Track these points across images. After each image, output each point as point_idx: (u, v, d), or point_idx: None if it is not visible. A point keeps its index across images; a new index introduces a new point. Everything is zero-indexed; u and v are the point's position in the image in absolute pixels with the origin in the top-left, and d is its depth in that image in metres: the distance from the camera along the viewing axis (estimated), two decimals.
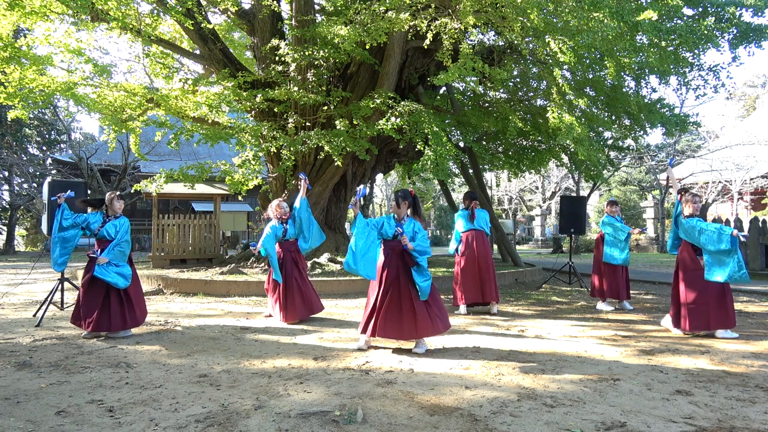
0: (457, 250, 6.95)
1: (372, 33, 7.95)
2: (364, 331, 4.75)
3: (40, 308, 6.39)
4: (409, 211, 4.86)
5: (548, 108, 8.40)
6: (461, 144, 12.32)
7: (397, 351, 4.71)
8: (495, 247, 16.16)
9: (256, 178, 10.72)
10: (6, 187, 24.69)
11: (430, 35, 7.75)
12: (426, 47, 8.13)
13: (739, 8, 8.02)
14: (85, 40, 9.83)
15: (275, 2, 10.02)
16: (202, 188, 12.62)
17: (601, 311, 7.03)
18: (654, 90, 14.24)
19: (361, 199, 4.95)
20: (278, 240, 6.27)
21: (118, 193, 5.60)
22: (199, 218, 12.34)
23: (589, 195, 20.69)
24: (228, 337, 5.34)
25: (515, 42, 9.12)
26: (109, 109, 9.97)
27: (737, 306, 7.49)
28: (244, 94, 9.42)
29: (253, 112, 10.88)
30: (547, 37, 7.48)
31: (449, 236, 24.30)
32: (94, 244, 5.50)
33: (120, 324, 5.30)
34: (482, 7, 7.47)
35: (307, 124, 9.83)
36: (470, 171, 13.17)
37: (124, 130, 10.70)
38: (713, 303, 5.17)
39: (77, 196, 6.96)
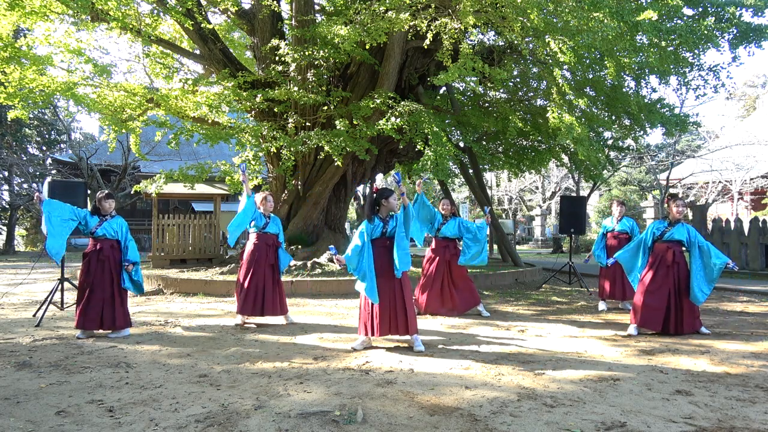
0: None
1: (372, 33, 7.95)
2: (362, 332, 4.82)
3: (40, 308, 6.39)
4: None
5: (548, 108, 8.40)
6: (461, 144, 12.32)
7: (397, 351, 4.72)
8: (495, 247, 16.16)
9: (256, 178, 10.72)
10: (6, 187, 24.68)
11: (430, 35, 7.75)
12: (426, 47, 8.13)
13: (739, 8, 8.02)
14: (85, 40, 9.82)
15: (275, 2, 10.02)
16: (202, 188, 12.61)
17: (602, 311, 7.06)
18: (654, 90, 14.25)
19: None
20: (258, 230, 6.11)
21: (107, 192, 5.60)
22: (199, 218, 12.34)
23: (589, 195, 20.68)
24: (228, 337, 5.34)
25: (515, 42, 9.12)
26: (109, 109, 9.96)
27: (737, 306, 7.49)
28: (244, 94, 9.42)
29: (253, 112, 10.88)
30: (547, 37, 7.48)
31: None
32: (88, 244, 5.49)
33: (112, 324, 5.33)
34: (482, 7, 7.46)
35: (307, 124, 9.83)
36: (470, 171, 13.17)
37: (124, 130, 10.69)
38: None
39: (74, 196, 6.96)
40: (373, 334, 4.73)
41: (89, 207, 6.12)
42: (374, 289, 4.68)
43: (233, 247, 6.24)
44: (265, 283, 6.02)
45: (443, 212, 6.80)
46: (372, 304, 4.72)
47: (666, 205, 5.67)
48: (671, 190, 22.38)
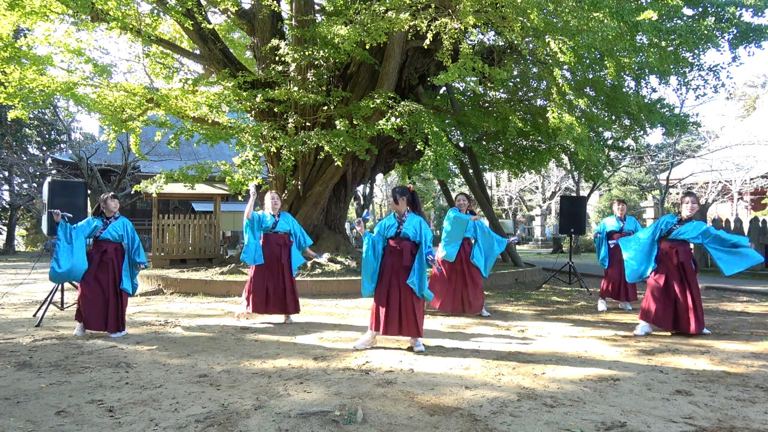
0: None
1: (372, 33, 7.94)
2: (372, 327, 4.82)
3: (40, 308, 6.39)
4: (408, 207, 4.87)
5: (548, 108, 8.39)
6: (461, 144, 12.32)
7: (397, 351, 4.72)
8: None
9: (256, 178, 10.71)
10: (6, 187, 24.68)
11: (430, 35, 7.74)
12: (426, 47, 8.13)
13: (739, 8, 8.02)
14: (85, 40, 9.81)
15: (275, 2, 10.01)
16: (202, 188, 12.61)
17: (602, 311, 7.06)
18: (654, 90, 14.25)
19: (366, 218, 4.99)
20: (268, 231, 6.07)
21: (111, 193, 5.62)
22: (199, 218, 12.34)
23: (589, 195, 20.68)
24: (228, 337, 5.34)
25: (515, 42, 9.11)
26: (109, 109, 9.95)
27: (737, 306, 7.49)
28: (244, 94, 9.41)
29: (253, 112, 10.87)
30: (547, 37, 7.48)
31: None
32: (90, 245, 5.49)
33: (114, 325, 5.34)
34: (482, 7, 7.46)
35: (307, 124, 9.83)
36: (470, 171, 13.17)
37: (124, 130, 10.68)
38: None
39: (74, 196, 6.96)
40: (378, 330, 4.73)
41: (89, 207, 6.11)
42: (367, 285, 4.78)
43: (236, 248, 6.26)
44: (284, 282, 6.03)
45: (459, 208, 6.67)
46: (384, 301, 4.70)
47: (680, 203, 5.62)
48: (674, 189, 22.37)
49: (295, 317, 6.33)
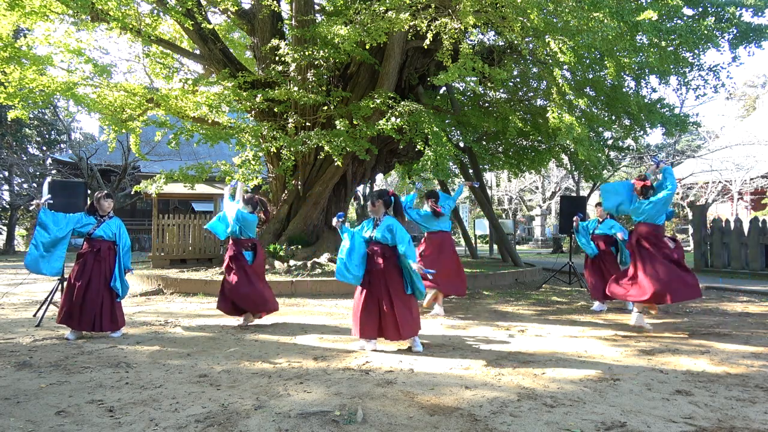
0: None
1: (372, 33, 7.95)
2: (356, 333, 4.75)
3: (40, 308, 6.39)
4: (386, 210, 4.79)
5: (548, 108, 8.40)
6: (461, 144, 12.32)
7: (397, 351, 4.71)
8: (495, 246, 16.14)
9: (256, 178, 10.72)
10: (6, 187, 24.68)
11: (430, 35, 7.75)
12: (426, 47, 8.13)
13: (739, 8, 8.03)
14: (85, 40, 9.82)
15: (275, 2, 10.02)
16: (202, 188, 12.62)
17: (601, 311, 7.05)
18: (654, 90, 14.28)
19: (342, 219, 4.87)
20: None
21: (105, 192, 5.60)
22: (199, 218, 12.34)
23: (589, 195, 20.69)
24: (228, 337, 5.34)
25: (515, 42, 9.12)
26: (109, 109, 9.96)
27: (737, 307, 7.49)
28: (244, 94, 9.42)
29: (253, 112, 10.88)
30: (547, 37, 7.48)
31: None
32: (82, 244, 5.46)
33: (110, 324, 5.32)
34: (482, 7, 7.47)
35: (307, 124, 9.83)
36: (470, 171, 13.17)
37: (124, 130, 10.68)
38: None
39: (74, 196, 6.97)
40: (357, 335, 4.69)
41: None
42: (342, 269, 4.68)
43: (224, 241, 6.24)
44: (247, 284, 5.86)
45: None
46: (360, 304, 4.65)
47: None
48: None
49: (295, 317, 6.29)
